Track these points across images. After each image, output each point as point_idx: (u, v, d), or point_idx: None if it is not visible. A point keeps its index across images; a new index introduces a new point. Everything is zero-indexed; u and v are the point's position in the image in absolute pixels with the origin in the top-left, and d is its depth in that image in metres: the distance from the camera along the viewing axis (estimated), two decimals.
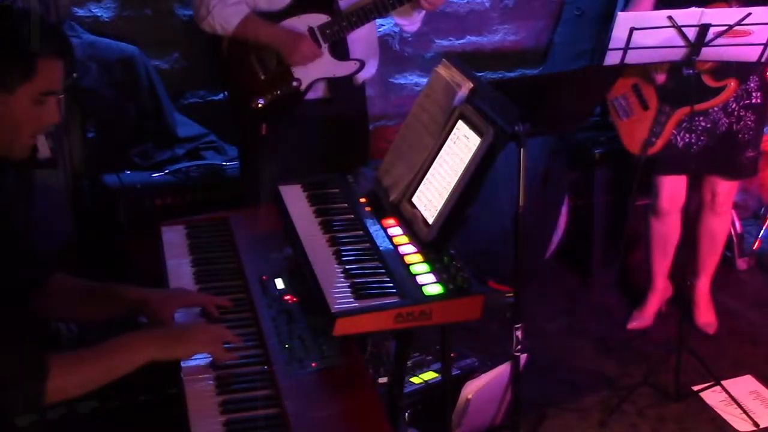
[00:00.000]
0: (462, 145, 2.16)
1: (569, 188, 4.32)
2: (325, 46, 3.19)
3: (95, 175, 3.85)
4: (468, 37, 4.82)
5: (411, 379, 3.04)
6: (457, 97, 2.25)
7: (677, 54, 3.17)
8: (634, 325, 3.91)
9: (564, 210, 4.35)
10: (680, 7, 3.10)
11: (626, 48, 3.12)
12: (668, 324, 3.79)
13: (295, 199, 2.51)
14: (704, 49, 3.13)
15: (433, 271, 2.08)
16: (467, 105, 2.21)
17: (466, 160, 2.11)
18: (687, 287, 3.79)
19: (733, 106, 3.52)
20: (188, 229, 2.62)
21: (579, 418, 3.32)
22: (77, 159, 3.96)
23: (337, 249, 2.22)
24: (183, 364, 2.00)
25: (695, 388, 3.45)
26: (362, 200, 2.45)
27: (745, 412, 3.31)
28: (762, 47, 3.14)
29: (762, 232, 4.54)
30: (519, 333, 2.71)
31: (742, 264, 4.44)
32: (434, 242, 2.13)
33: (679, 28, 3.07)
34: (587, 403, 3.40)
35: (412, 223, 2.23)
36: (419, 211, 2.21)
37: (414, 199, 2.25)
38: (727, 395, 3.38)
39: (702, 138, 3.54)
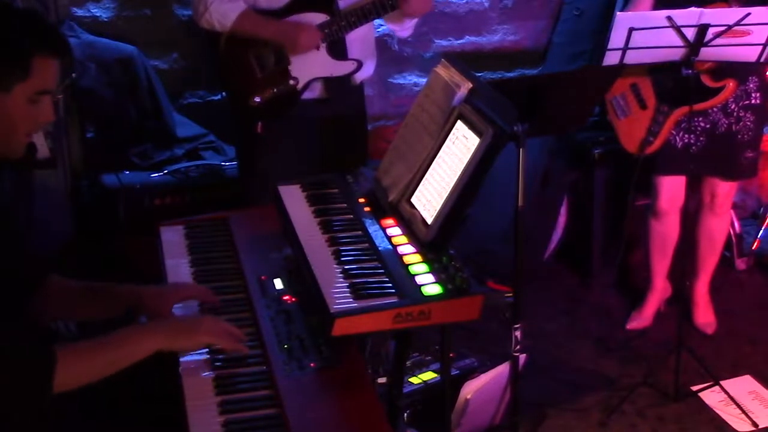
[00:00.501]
0: (461, 145, 2.16)
1: (569, 188, 4.32)
2: (323, 46, 3.20)
3: (94, 175, 3.86)
4: (467, 37, 4.82)
5: (410, 379, 3.05)
6: (456, 97, 2.25)
7: (676, 54, 3.17)
8: (633, 325, 3.91)
9: (563, 210, 4.35)
10: (679, 7, 3.10)
11: (625, 48, 3.12)
12: (667, 324, 3.79)
13: (294, 199, 2.51)
14: (703, 49, 3.13)
15: (432, 271, 2.08)
16: (466, 105, 2.21)
17: (465, 160, 2.11)
18: (686, 287, 3.79)
19: (733, 106, 3.51)
20: (187, 229, 2.62)
21: (578, 418, 3.32)
22: (76, 159, 3.96)
23: (336, 249, 2.22)
24: (181, 362, 2.00)
25: (694, 388, 3.45)
26: (361, 200, 2.45)
27: (744, 412, 3.31)
28: (761, 47, 3.14)
29: (761, 232, 4.53)
30: (518, 333, 2.71)
31: (741, 264, 4.44)
32: (433, 242, 2.12)
33: (678, 29, 3.07)
34: (587, 403, 3.40)
35: (411, 223, 2.23)
36: (418, 211, 2.21)
37: (413, 199, 2.25)
38: (726, 395, 3.38)
39: (701, 138, 3.54)
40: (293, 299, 2.22)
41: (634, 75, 3.55)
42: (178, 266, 2.43)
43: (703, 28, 3.06)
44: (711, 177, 3.67)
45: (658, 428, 3.29)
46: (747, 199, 4.79)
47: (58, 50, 1.92)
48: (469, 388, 2.94)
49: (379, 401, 1.98)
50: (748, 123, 3.54)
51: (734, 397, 3.36)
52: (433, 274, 2.06)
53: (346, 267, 2.13)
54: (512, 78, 4.73)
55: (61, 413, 1.90)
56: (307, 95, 3.27)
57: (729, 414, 3.33)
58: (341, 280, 2.08)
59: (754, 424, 3.27)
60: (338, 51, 3.25)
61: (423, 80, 4.34)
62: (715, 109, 3.51)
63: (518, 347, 2.73)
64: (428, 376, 3.09)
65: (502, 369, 2.99)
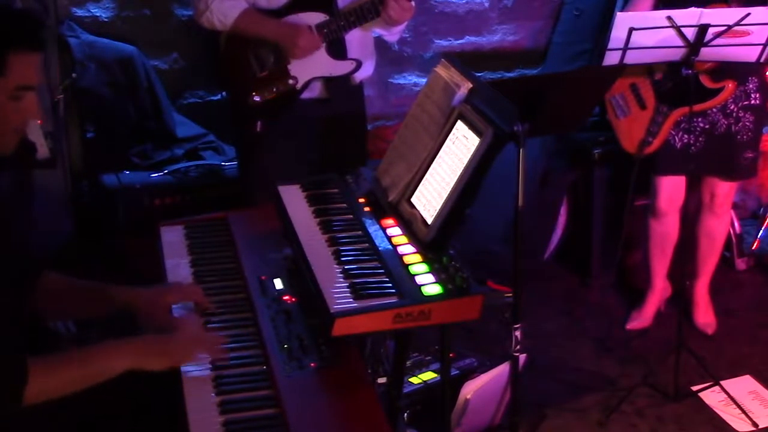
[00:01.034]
0: (461, 145, 2.16)
1: (568, 188, 4.32)
2: (322, 45, 3.20)
3: (94, 175, 3.86)
4: (467, 37, 4.82)
5: (410, 379, 3.05)
6: (456, 98, 2.25)
7: (676, 54, 3.17)
8: (633, 325, 3.90)
9: (563, 210, 4.35)
10: (679, 7, 3.11)
11: (625, 48, 3.12)
12: (667, 324, 3.79)
13: (294, 199, 2.51)
14: (703, 50, 3.13)
15: (432, 271, 2.08)
16: (466, 105, 2.21)
17: (465, 160, 2.11)
18: (686, 287, 3.79)
19: (732, 107, 3.51)
20: (187, 229, 2.62)
21: (578, 418, 3.32)
22: (76, 159, 3.97)
23: (336, 249, 2.22)
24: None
25: (694, 388, 3.45)
26: (361, 200, 2.45)
27: (744, 412, 3.31)
28: (761, 47, 3.14)
29: (761, 232, 4.54)
30: (518, 333, 2.71)
31: (741, 264, 4.44)
32: (433, 242, 2.12)
33: (678, 29, 3.07)
34: (586, 403, 3.40)
35: (411, 223, 2.23)
36: (418, 211, 2.21)
37: (413, 199, 2.25)
38: (726, 395, 3.37)
39: (701, 139, 3.54)
40: (293, 299, 2.22)
41: (633, 75, 3.55)
42: (178, 266, 2.43)
43: (703, 28, 3.06)
44: (710, 177, 3.67)
45: (658, 428, 3.28)
46: (747, 199, 4.79)
47: (35, 45, 1.89)
48: (469, 388, 2.94)
49: (378, 401, 1.98)
50: (748, 123, 3.54)
51: (734, 397, 3.36)
52: (433, 274, 2.06)
53: (346, 267, 2.13)
54: (512, 78, 4.73)
55: (60, 414, 1.91)
56: (306, 95, 3.28)
57: (729, 414, 3.33)
58: (341, 280, 2.08)
59: (754, 424, 3.27)
60: (337, 50, 3.25)
61: (423, 80, 4.33)
62: (714, 110, 3.51)
63: (518, 347, 2.72)
64: (428, 376, 3.09)
65: (502, 369, 2.99)
